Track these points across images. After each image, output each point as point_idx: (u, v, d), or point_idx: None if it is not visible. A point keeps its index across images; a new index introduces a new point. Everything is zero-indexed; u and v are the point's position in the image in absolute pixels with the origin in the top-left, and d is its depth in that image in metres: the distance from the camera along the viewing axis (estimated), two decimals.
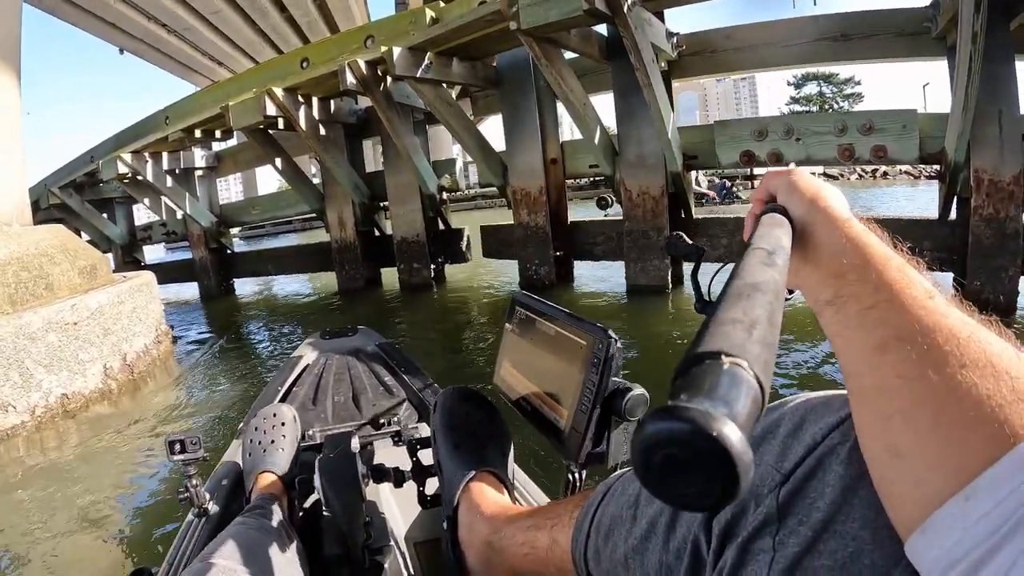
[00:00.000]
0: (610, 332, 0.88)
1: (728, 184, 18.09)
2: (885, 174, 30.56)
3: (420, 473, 1.29)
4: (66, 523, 3.23)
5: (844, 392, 0.55)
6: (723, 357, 0.32)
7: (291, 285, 12.20)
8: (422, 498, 1.28)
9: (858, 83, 42.61)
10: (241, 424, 1.94)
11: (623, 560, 0.70)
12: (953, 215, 5.80)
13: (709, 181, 18.13)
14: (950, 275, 5.75)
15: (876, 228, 0.61)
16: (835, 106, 40.77)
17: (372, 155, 9.64)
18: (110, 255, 12.94)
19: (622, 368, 0.88)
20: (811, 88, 43.08)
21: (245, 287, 12.17)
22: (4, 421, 4.72)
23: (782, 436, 0.57)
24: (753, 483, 0.52)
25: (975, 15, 4.46)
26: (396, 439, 1.56)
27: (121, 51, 25.08)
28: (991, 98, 5.08)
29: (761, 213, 0.66)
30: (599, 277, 8.25)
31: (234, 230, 13.37)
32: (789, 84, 45.06)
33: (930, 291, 0.51)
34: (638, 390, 0.86)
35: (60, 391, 5.14)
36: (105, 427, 4.75)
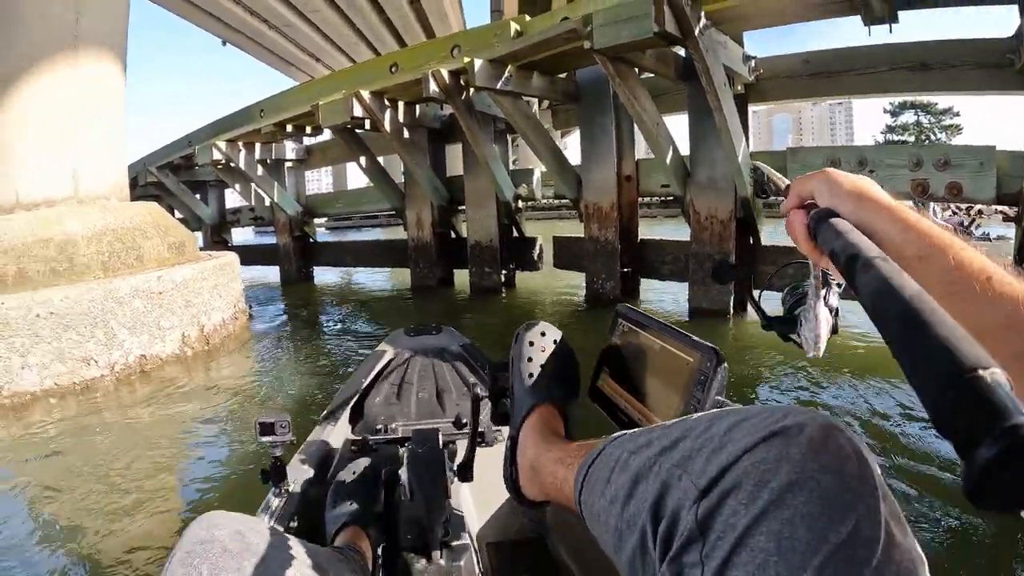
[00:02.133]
0: (718, 351, 0.88)
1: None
2: (980, 211, 29.39)
3: (498, 394, 1.28)
4: (133, 479, 3.46)
5: (766, 409, 0.60)
6: (979, 371, 0.35)
7: (367, 277, 12.62)
8: (495, 416, 1.29)
9: (957, 114, 40.99)
10: (324, 412, 2.06)
11: (598, 516, 0.76)
12: None
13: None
14: None
15: (920, 210, 0.64)
16: (932, 137, 39.31)
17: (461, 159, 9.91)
18: (200, 234, 13.65)
19: (726, 388, 0.89)
20: (908, 117, 41.62)
21: (323, 276, 12.63)
22: (86, 372, 5.23)
23: (707, 452, 0.60)
24: (679, 498, 0.60)
25: None
26: (479, 440, 1.58)
27: (223, 43, 26.04)
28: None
29: (814, 220, 0.69)
30: (666, 297, 8.23)
31: (320, 220, 13.85)
32: (885, 112, 43.59)
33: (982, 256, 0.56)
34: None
35: (139, 352, 5.63)
36: (178, 390, 5.15)
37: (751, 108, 7.56)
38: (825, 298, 0.80)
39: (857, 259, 0.54)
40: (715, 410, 0.67)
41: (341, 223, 30.38)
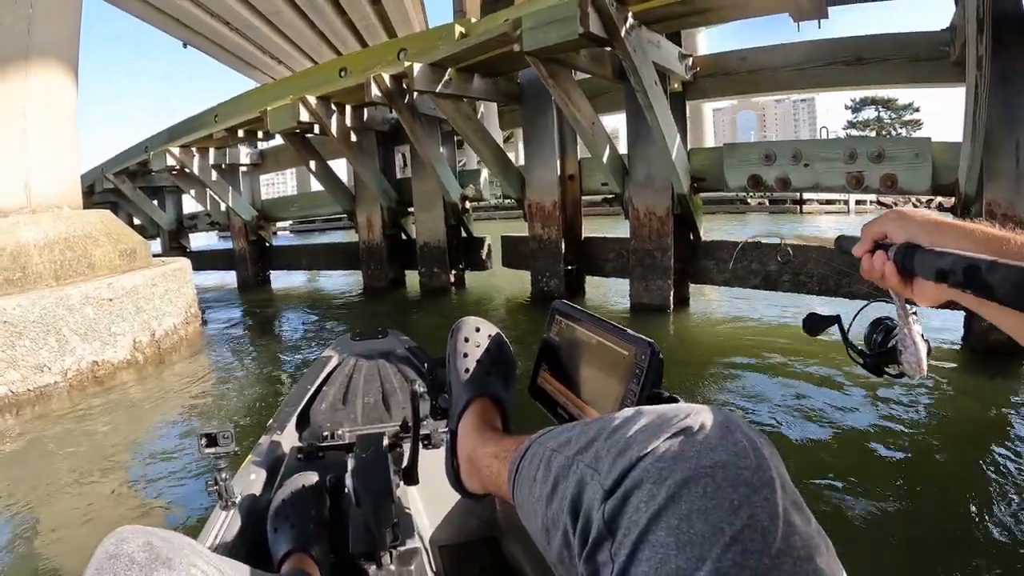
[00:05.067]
0: (653, 343, 0.88)
1: None
2: (940, 205, 29.72)
3: (436, 389, 1.31)
4: (81, 487, 3.48)
5: (669, 409, 0.64)
6: None
7: (322, 280, 12.74)
8: (434, 411, 1.31)
9: (917, 109, 41.55)
10: (271, 420, 2.01)
11: (528, 512, 0.80)
12: None
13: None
14: (961, 314, 5.44)
15: (990, 225, 0.72)
16: (892, 132, 39.76)
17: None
18: (158, 239, 13.76)
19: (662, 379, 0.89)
20: (869, 113, 42.19)
21: (280, 279, 12.69)
22: (39, 379, 5.30)
23: (613, 454, 0.62)
24: (591, 497, 0.62)
25: (979, 37, 4.32)
26: (425, 442, 1.61)
27: (184, 45, 25.91)
28: (1007, 128, 4.83)
29: (901, 254, 0.77)
30: (611, 293, 8.36)
31: (285, 223, 13.82)
32: (847, 108, 44.14)
33: None
34: (679, 400, 0.81)
35: (92, 358, 5.70)
36: (128, 396, 5.24)
37: (712, 105, 7.66)
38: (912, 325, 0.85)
39: (979, 266, 0.62)
40: (628, 410, 0.70)
41: (305, 226, 30.28)
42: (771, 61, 6.81)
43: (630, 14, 5.45)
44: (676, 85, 6.94)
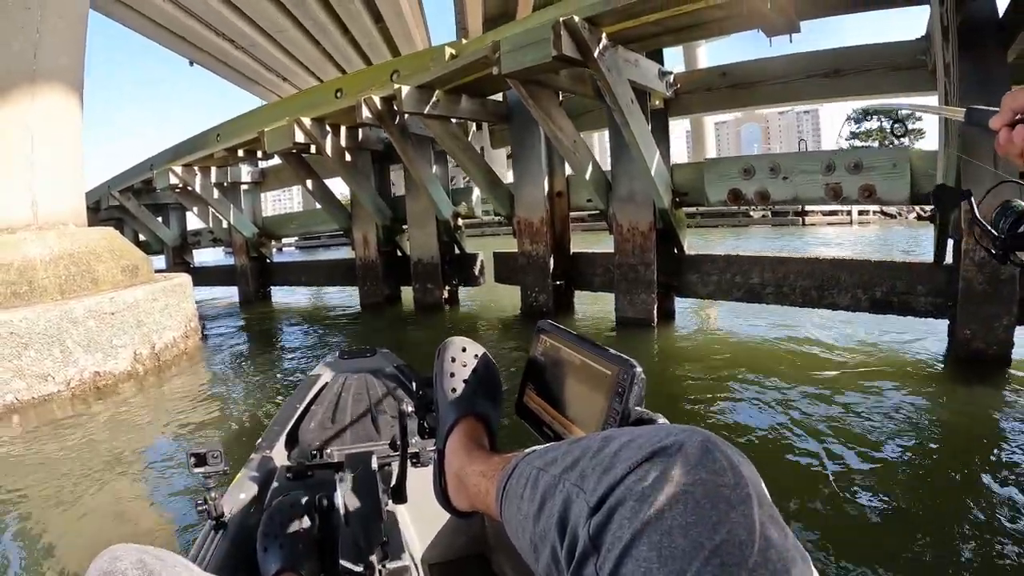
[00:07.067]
0: (634, 363, 0.88)
1: None
2: (919, 214, 29.46)
3: (424, 408, 1.32)
4: (81, 500, 3.55)
5: (651, 429, 0.64)
6: None
7: (321, 296, 12.92)
8: (422, 430, 1.31)
9: (919, 118, 41.38)
10: (260, 439, 2.00)
11: (516, 530, 0.80)
12: (951, 259, 5.39)
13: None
14: (945, 322, 5.46)
15: None
16: (895, 142, 39.67)
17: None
18: (163, 255, 14.03)
19: (644, 398, 0.89)
20: (872, 123, 42.18)
21: (281, 295, 12.95)
22: (43, 388, 5.59)
23: (599, 472, 0.63)
24: (576, 514, 0.63)
25: (945, 44, 4.38)
26: (414, 461, 1.58)
27: (191, 63, 26.29)
28: (985, 134, 4.69)
29: None
30: (600, 308, 8.36)
31: (291, 239, 13.99)
32: (849, 118, 44.07)
33: None
34: (660, 419, 0.84)
35: (94, 369, 5.98)
36: (130, 406, 5.44)
37: (715, 119, 7.61)
38: None
39: None
40: (613, 430, 0.72)
41: (310, 242, 30.53)
42: (751, 76, 6.93)
43: (603, 35, 5.59)
44: (657, 102, 7.08)
